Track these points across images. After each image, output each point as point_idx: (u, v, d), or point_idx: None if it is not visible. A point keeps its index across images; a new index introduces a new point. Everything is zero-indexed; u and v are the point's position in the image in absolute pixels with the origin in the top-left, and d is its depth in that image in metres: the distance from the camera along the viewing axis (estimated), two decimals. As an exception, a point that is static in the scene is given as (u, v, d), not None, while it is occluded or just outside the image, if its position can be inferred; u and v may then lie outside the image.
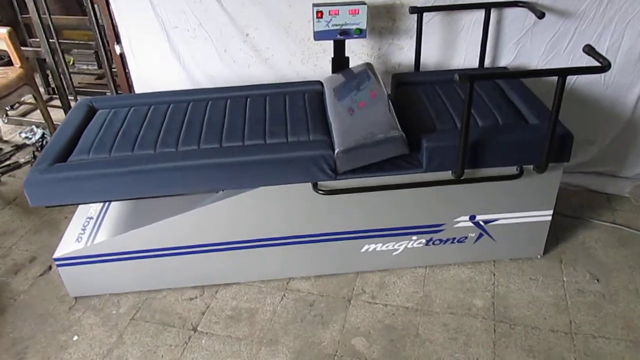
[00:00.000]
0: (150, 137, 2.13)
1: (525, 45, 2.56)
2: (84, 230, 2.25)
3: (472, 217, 2.19)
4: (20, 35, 3.90)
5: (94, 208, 2.38)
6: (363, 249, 2.24)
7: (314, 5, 2.40)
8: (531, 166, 2.07)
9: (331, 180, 2.03)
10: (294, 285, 2.27)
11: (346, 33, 2.43)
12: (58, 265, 2.20)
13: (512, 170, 2.07)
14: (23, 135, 3.49)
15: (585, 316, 2.08)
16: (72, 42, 3.92)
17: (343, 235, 2.19)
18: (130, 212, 2.31)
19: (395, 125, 1.99)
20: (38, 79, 4.01)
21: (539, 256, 2.35)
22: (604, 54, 2.44)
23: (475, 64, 2.59)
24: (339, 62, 2.54)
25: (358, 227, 2.18)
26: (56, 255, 2.18)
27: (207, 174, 2.00)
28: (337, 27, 2.41)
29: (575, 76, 2.54)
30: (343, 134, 2.03)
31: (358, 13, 2.39)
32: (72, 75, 3.95)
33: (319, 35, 2.43)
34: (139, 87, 3.07)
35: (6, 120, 3.69)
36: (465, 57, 2.65)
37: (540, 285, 2.22)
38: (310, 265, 2.29)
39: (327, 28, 2.41)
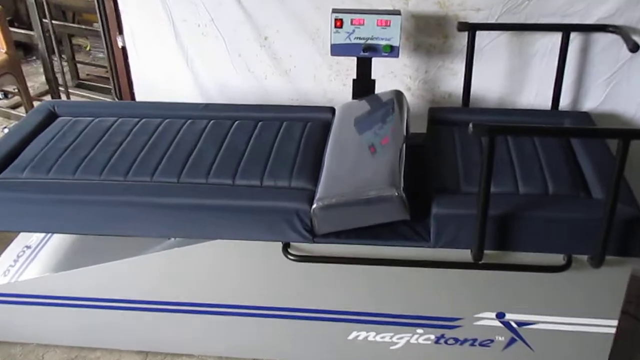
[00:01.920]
0: (100, 160, 2.14)
1: (620, 84, 2.38)
2: (16, 261, 2.31)
3: (500, 315, 2.01)
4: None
5: (36, 235, 2.43)
6: (350, 336, 2.11)
7: (334, 10, 2.34)
8: (585, 257, 1.88)
9: (307, 243, 1.94)
10: (258, 369, 2.20)
11: (372, 49, 2.35)
12: (-22, 301, 2.26)
13: (557, 259, 1.89)
14: (6, 130, 3.67)
15: None
16: (83, 27, 4.10)
17: (323, 314, 2.08)
18: (73, 246, 2.34)
19: (394, 180, 1.86)
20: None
21: (597, 380, 2.12)
22: None
23: (548, 103, 2.42)
24: (363, 84, 2.46)
25: (343, 307, 2.06)
26: (-23, 288, 2.25)
27: (153, 215, 1.97)
28: (361, 41, 2.34)
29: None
30: (330, 182, 1.95)
31: (389, 25, 2.30)
32: (82, 64, 4.17)
33: (337, 50, 2.38)
34: (140, 88, 3.16)
35: (-6, 112, 3.92)
36: (537, 94, 2.50)
37: None
38: (281, 347, 2.19)
39: (347, 41, 2.35)
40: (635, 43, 2.11)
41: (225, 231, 1.97)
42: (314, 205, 1.87)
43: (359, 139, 2.19)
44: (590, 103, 2.45)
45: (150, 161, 2.13)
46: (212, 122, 2.36)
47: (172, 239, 2.10)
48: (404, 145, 2.05)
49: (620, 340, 2.03)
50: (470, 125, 1.64)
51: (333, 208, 1.87)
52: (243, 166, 2.08)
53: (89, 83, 4.07)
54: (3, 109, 3.93)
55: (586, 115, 2.34)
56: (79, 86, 4.00)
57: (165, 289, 2.12)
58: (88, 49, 4.47)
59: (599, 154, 2.07)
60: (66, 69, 4.00)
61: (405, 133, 2.13)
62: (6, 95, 4.07)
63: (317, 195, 1.91)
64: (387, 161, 1.98)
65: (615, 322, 1.98)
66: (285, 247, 1.95)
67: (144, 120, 2.39)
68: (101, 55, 4.43)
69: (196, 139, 2.24)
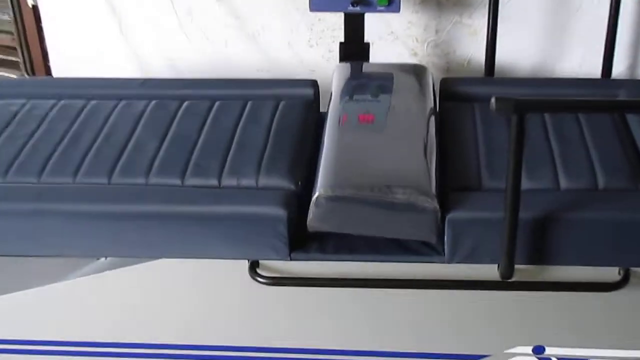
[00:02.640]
0: (4, 156, 2.17)
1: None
2: None
3: (538, 350, 2.07)
4: None
5: None
6: (345, 384, 2.17)
7: (312, -49, 2.41)
8: (646, 270, 1.94)
9: (282, 260, 1.99)
10: None
11: (365, 2, 2.40)
12: None
13: (611, 274, 1.96)
14: None
15: None
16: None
17: (306, 355, 2.12)
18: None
19: (427, 186, 1.90)
20: None
21: None
22: None
23: (598, 70, 2.49)
24: (353, 50, 2.53)
25: (332, 345, 2.11)
26: None
27: (75, 228, 2.01)
28: (350, -9, 2.41)
29: None
30: (338, 169, 1.97)
31: (386, -31, 2.37)
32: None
33: (317, 3, 2.44)
34: (57, 60, 3.23)
35: None
36: (584, 58, 2.60)
37: None
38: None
39: (332, -9, 2.42)
40: None
41: (173, 247, 2.01)
42: (318, 193, 1.89)
43: (375, 115, 2.20)
44: (654, 68, 2.51)
45: (71, 157, 2.16)
46: (153, 103, 2.40)
47: (103, 258, 2.13)
48: (436, 139, 2.11)
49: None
50: (493, 99, 1.67)
51: (344, 202, 1.89)
52: (195, 161, 2.12)
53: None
54: None
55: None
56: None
57: (95, 325, 2.16)
58: (-13, 10, 4.49)
59: (665, 135, 2.13)
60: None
61: (435, 121, 2.18)
62: None
63: (323, 181, 1.93)
64: (417, 157, 2.01)
65: (693, 356, 2.05)
66: (253, 267, 2.01)
67: (62, 102, 2.43)
68: (7, 17, 4.45)
69: (132, 127, 2.28)
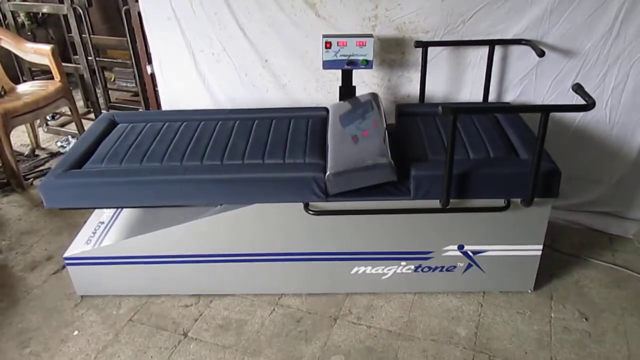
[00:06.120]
0: (159, 151, 2.28)
1: (530, 82, 2.61)
2: (94, 233, 2.42)
3: (460, 247, 2.23)
4: (67, 52, 4.21)
5: (106, 213, 2.55)
6: (353, 271, 2.30)
7: (324, 36, 2.55)
8: (519, 200, 2.11)
9: (322, 202, 2.12)
10: (285, 301, 2.37)
11: (353, 63, 2.55)
12: (67, 265, 2.37)
13: (499, 202, 2.11)
14: (59, 144, 3.75)
15: (567, 354, 2.08)
16: (113, 60, 4.20)
17: (333, 255, 2.26)
18: (139, 219, 2.47)
19: (385, 153, 2.07)
20: (79, 94, 4.31)
21: (529, 291, 2.36)
22: (608, 94, 2.51)
23: (480, 98, 2.65)
24: (346, 90, 2.67)
25: (348, 249, 2.25)
26: (66, 254, 2.35)
27: (206, 188, 2.13)
28: (345, 58, 2.54)
29: (579, 114, 2.57)
30: (336, 158, 2.13)
31: (365, 45, 2.52)
32: (110, 91, 4.26)
33: (327, 65, 2.57)
34: (167, 106, 3.26)
35: (46, 130, 3.97)
36: (472, 92, 2.72)
37: (526, 320, 2.23)
38: (302, 283, 2.37)
39: (335, 58, 2.55)
40: (542, 50, 2.37)
41: (260, 197, 2.14)
42: (327, 173, 2.05)
43: (353, 126, 2.36)
44: (510, 97, 2.68)
45: (198, 150, 2.28)
46: (238, 121, 2.51)
47: (220, 205, 2.25)
48: (386, 130, 2.25)
49: (543, 261, 2.29)
50: (440, 107, 1.85)
51: (342, 174, 2.06)
52: (269, 150, 2.25)
53: (119, 105, 4.15)
54: (53, 128, 4.00)
55: (508, 105, 2.59)
56: (111, 107, 4.09)
57: (214, 244, 2.27)
58: (113, 80, 4.55)
59: (520, 128, 2.32)
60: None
61: (385, 121, 2.34)
62: (53, 117, 4.13)
63: (329, 166, 2.09)
64: (377, 141, 2.16)
65: (540, 247, 2.23)
66: (306, 206, 2.13)
67: (185, 122, 2.53)
68: (124, 84, 4.53)
69: (229, 134, 2.40)
